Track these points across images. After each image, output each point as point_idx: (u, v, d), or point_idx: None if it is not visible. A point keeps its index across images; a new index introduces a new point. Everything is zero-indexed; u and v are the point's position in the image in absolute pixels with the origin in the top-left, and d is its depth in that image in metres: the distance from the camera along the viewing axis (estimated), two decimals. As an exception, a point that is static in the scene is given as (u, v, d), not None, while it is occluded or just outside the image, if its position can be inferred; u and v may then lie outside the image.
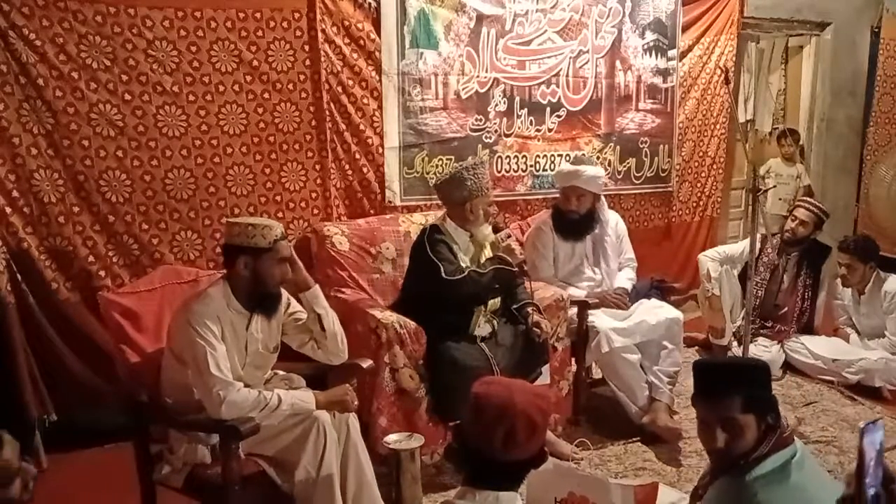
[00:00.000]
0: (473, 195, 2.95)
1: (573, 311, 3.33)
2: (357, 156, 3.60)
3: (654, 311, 3.48)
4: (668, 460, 3.14)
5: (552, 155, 4.20)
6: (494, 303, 3.04)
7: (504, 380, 1.82)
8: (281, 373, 2.60)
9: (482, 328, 2.98)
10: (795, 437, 1.76)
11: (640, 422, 3.33)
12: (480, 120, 3.93)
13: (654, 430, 3.26)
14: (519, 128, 4.06)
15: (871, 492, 1.36)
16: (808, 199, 4.62)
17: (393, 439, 2.49)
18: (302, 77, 3.40)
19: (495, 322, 3.03)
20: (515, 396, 1.61)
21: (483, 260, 3.01)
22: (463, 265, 2.94)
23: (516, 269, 2.97)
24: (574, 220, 3.53)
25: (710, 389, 1.77)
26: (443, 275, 2.85)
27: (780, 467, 1.67)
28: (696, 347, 4.54)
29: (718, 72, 4.68)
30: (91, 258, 3.05)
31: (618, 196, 4.47)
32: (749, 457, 1.71)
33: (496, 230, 3.09)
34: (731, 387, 1.74)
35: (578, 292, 3.45)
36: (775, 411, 1.75)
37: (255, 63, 3.27)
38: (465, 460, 1.66)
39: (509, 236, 2.99)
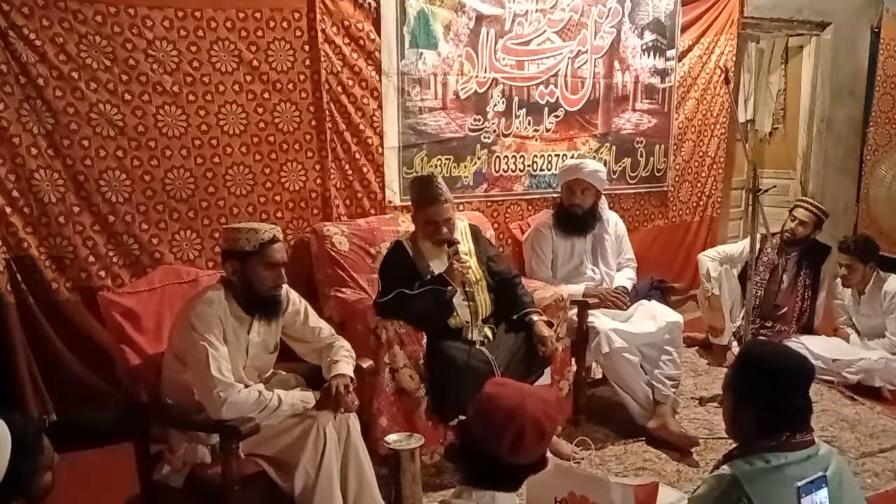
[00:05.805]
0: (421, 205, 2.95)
1: (573, 311, 3.33)
2: (357, 156, 3.60)
3: (655, 316, 3.47)
4: (669, 460, 3.14)
5: (549, 155, 4.20)
6: (483, 311, 3.00)
7: (515, 383, 1.82)
8: (281, 373, 2.60)
9: (475, 335, 2.95)
10: (832, 455, 1.72)
11: (644, 423, 3.33)
12: (479, 120, 3.93)
13: (666, 436, 3.24)
14: (517, 128, 4.06)
15: None
16: (808, 198, 4.62)
17: (393, 439, 2.48)
18: (302, 77, 3.40)
19: (488, 330, 2.98)
20: (526, 401, 1.62)
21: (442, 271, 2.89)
22: (430, 276, 2.89)
23: (451, 288, 2.83)
24: (577, 216, 3.54)
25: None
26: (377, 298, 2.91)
27: (776, 467, 1.67)
28: (696, 347, 4.54)
29: (718, 72, 4.68)
30: (91, 258, 3.05)
31: (615, 196, 4.46)
32: (751, 444, 1.72)
33: (449, 244, 2.91)
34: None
35: (576, 288, 3.45)
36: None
37: (255, 63, 3.27)
38: (467, 458, 1.66)
39: (456, 252, 2.89)
